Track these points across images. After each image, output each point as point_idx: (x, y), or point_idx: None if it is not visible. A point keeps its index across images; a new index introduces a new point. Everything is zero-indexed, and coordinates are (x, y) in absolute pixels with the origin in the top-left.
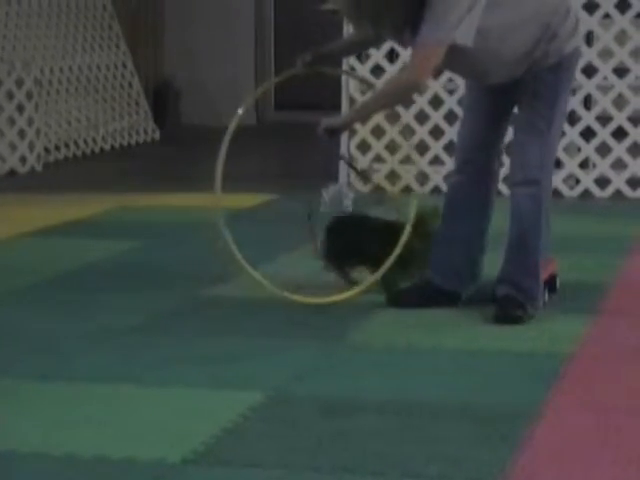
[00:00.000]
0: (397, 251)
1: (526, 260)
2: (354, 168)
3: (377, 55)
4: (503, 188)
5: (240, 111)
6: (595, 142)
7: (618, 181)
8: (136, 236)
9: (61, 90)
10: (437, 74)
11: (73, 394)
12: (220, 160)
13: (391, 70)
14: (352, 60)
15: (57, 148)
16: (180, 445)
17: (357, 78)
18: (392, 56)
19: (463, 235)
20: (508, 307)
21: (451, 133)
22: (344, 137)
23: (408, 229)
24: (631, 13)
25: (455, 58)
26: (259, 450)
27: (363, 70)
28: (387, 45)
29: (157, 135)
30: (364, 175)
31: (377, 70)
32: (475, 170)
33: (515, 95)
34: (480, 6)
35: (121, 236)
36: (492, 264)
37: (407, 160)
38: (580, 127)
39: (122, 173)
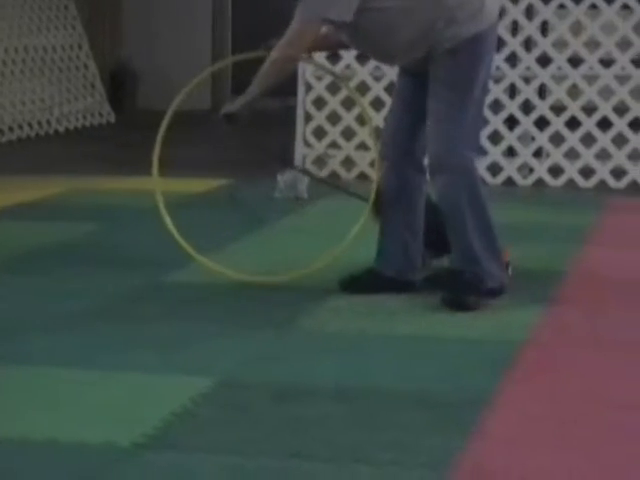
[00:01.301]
0: (356, 228)
1: (460, 246)
2: (311, 175)
3: None
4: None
5: (185, 90)
6: (549, 131)
7: (571, 170)
8: (90, 220)
9: (15, 71)
10: (336, 48)
11: (25, 378)
12: (157, 145)
13: (348, 56)
14: None
15: (11, 129)
16: (131, 429)
17: (317, 65)
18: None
19: (401, 223)
20: (455, 292)
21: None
22: (300, 123)
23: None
24: (586, 4)
25: (358, 37)
26: (210, 435)
27: (320, 57)
28: None
29: (112, 118)
30: (324, 181)
31: (332, 56)
32: (398, 155)
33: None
34: None
35: (75, 219)
36: None
37: (363, 147)
38: (534, 116)
39: (76, 156)
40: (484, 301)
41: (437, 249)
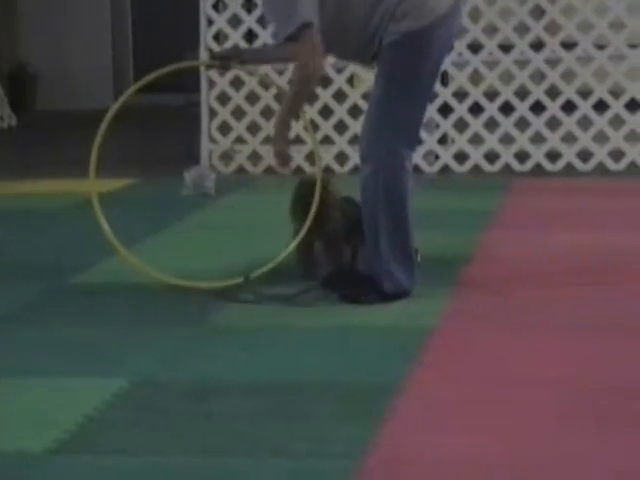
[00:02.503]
0: (294, 243)
1: (368, 241)
2: None
3: (235, 36)
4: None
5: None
6: (452, 118)
7: (476, 156)
8: None
9: None
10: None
11: None
12: (95, 145)
13: (249, 21)
14: (210, 41)
15: None
16: (43, 435)
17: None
18: (251, 37)
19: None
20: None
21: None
22: (205, 119)
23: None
24: None
25: (322, 36)
26: (125, 436)
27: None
28: (245, 26)
29: (14, 121)
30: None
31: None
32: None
33: None
34: None
35: None
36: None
37: (269, 141)
38: (437, 104)
39: None
40: (378, 300)
41: None
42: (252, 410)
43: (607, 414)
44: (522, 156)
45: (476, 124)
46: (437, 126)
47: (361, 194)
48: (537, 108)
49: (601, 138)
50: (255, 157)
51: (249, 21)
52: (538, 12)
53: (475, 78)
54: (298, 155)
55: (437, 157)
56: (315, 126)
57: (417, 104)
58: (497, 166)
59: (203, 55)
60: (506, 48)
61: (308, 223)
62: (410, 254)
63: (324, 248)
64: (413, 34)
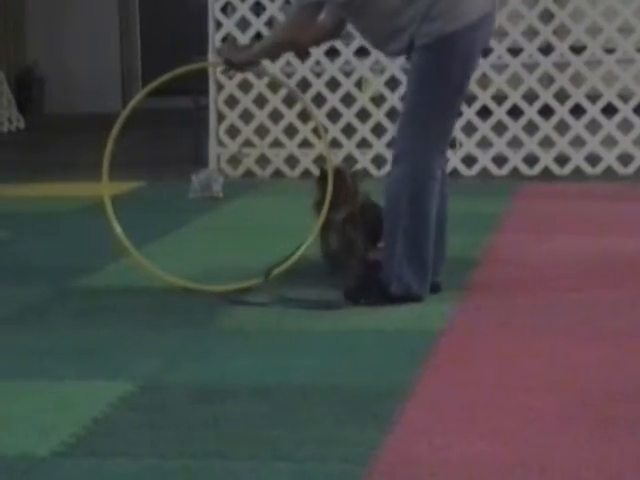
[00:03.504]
0: (306, 244)
1: (385, 242)
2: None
3: (244, 39)
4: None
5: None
6: (461, 121)
7: (484, 159)
8: (0, 227)
9: None
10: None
11: None
12: (108, 149)
13: (257, 25)
14: (218, 45)
15: None
16: (49, 438)
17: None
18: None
19: None
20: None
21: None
22: (213, 122)
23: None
24: None
25: (352, 16)
26: (131, 439)
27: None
28: (253, 29)
29: (22, 124)
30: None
31: (243, 23)
32: None
33: None
34: None
35: None
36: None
37: (277, 144)
38: None
39: None
40: (381, 304)
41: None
42: (258, 413)
43: (611, 420)
44: (530, 160)
45: (484, 128)
46: None
47: (386, 194)
48: (546, 112)
49: (610, 142)
50: (263, 160)
51: (257, 24)
52: (547, 16)
53: (483, 82)
54: (306, 158)
55: (445, 160)
56: (323, 129)
57: (448, 109)
58: (505, 170)
59: (212, 58)
60: (515, 52)
61: (324, 213)
62: (425, 263)
63: (338, 238)
64: (445, 38)
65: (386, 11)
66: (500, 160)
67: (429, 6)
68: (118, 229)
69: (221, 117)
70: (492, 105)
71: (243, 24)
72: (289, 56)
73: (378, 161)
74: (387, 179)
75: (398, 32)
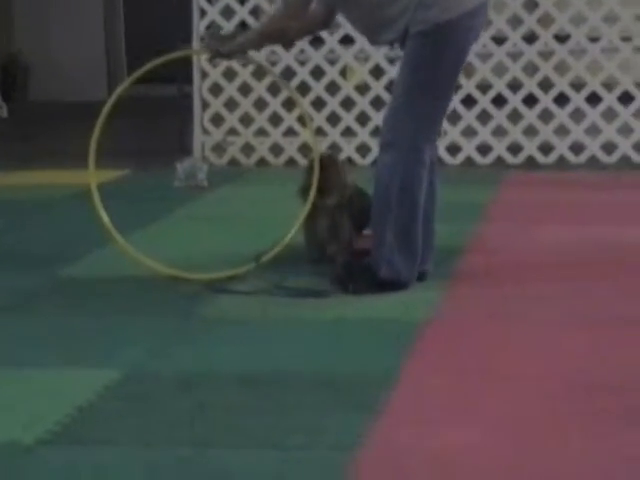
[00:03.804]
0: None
1: (374, 227)
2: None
3: (228, 27)
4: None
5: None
6: None
7: (469, 148)
8: None
9: None
10: (321, 27)
11: None
12: (94, 138)
13: (241, 13)
14: (202, 32)
15: None
16: (34, 426)
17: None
18: (244, 28)
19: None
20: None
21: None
22: (198, 111)
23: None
24: None
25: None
26: (116, 428)
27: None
28: (238, 17)
29: (5, 112)
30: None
31: (227, 11)
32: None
33: None
34: None
35: None
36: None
37: (261, 133)
38: None
39: None
40: (369, 290)
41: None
42: (243, 402)
43: (599, 411)
44: (515, 149)
45: (469, 116)
46: None
47: (375, 181)
48: (530, 101)
49: (594, 131)
50: (248, 149)
51: (242, 12)
52: (531, 5)
53: (468, 70)
54: (290, 146)
55: None
56: (309, 117)
57: (440, 96)
58: (489, 159)
59: (196, 46)
60: (499, 40)
61: (310, 200)
62: (415, 250)
63: (326, 224)
64: (441, 25)
65: (378, 0)
66: (484, 149)
67: None
68: (105, 217)
69: (205, 105)
70: (476, 94)
71: (227, 12)
72: (274, 45)
73: (362, 150)
74: (376, 166)
75: (392, 21)
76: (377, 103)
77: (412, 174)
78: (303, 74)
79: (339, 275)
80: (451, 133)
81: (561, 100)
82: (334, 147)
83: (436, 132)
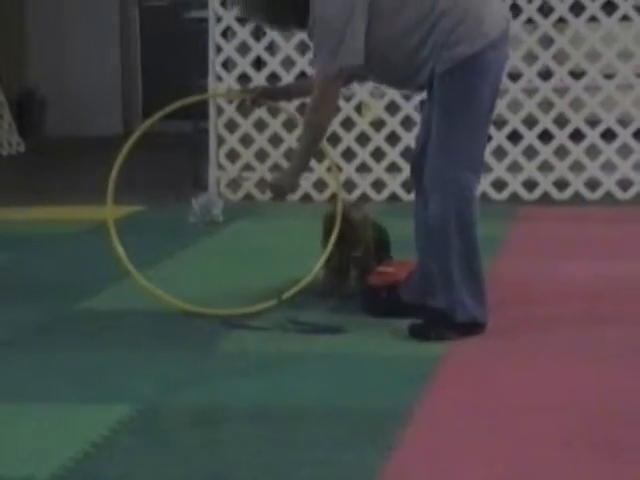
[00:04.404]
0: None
1: (439, 270)
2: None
3: (243, 63)
4: None
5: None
6: None
7: (484, 184)
8: (1, 249)
9: None
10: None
11: None
12: (114, 172)
13: (257, 49)
14: (218, 69)
15: None
16: (48, 462)
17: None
18: (259, 64)
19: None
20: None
21: None
22: (213, 146)
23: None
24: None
25: (367, 69)
26: (130, 463)
27: (229, 78)
28: (253, 53)
29: (22, 147)
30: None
31: (244, 79)
32: (422, 176)
33: None
34: (359, 22)
35: None
36: None
37: (276, 168)
38: None
39: None
40: (450, 335)
41: None
42: (257, 436)
43: (612, 443)
44: (530, 185)
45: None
46: None
47: (431, 223)
48: (545, 137)
49: (609, 167)
50: (263, 184)
51: (257, 48)
52: (547, 41)
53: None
54: (306, 182)
55: None
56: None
57: (478, 129)
58: (505, 194)
59: (212, 82)
60: (514, 77)
61: (329, 248)
62: (481, 287)
63: (355, 274)
64: (468, 59)
65: (404, 54)
66: (500, 184)
67: (448, 33)
68: (121, 251)
69: (221, 141)
70: (492, 130)
71: (243, 48)
72: (288, 79)
73: (377, 185)
74: (429, 206)
75: (419, 68)
76: (392, 139)
77: (466, 206)
78: None
79: (416, 325)
80: None
81: (576, 136)
82: (349, 183)
83: (481, 163)
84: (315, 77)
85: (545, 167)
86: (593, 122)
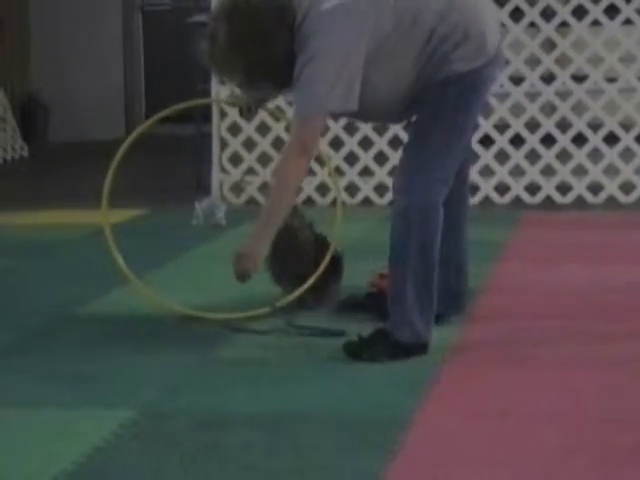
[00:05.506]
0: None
1: (392, 283)
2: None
3: None
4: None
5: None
6: None
7: (486, 188)
8: (4, 255)
9: None
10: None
11: None
12: (109, 176)
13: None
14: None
15: None
16: (50, 466)
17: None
18: None
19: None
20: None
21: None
22: (216, 150)
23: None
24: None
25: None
26: (132, 467)
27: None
28: None
29: (25, 152)
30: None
31: None
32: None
33: None
34: (355, 69)
35: None
36: None
37: None
38: None
39: None
40: (385, 357)
41: None
42: (259, 442)
43: (616, 450)
44: (532, 188)
45: (486, 156)
46: None
47: (391, 231)
48: (547, 140)
49: (612, 171)
50: (266, 188)
51: None
52: (549, 45)
53: (486, 110)
54: (308, 186)
55: None
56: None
57: (459, 140)
58: (507, 198)
59: (214, 86)
60: (517, 80)
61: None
62: (432, 305)
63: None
64: (463, 74)
65: (398, 95)
66: (502, 188)
67: (449, 52)
68: (119, 257)
69: (224, 145)
70: (494, 134)
71: None
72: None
73: (380, 189)
74: (392, 212)
75: (413, 100)
76: (395, 143)
77: (427, 222)
78: None
79: (351, 343)
80: (470, 173)
81: (579, 140)
82: (352, 187)
83: (452, 176)
84: (297, 118)
85: (548, 171)
86: (596, 126)
